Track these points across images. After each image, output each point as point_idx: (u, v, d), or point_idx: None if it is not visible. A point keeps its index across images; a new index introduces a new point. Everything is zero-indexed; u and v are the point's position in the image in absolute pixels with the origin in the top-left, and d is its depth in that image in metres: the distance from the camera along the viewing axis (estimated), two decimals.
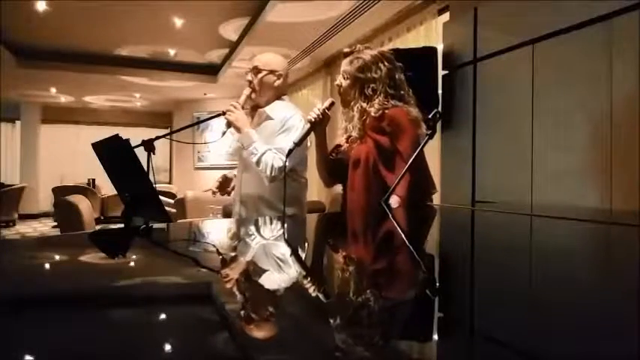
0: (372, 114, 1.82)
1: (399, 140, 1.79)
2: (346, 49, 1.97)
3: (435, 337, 0.52)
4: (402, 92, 1.88)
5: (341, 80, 1.92)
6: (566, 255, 0.99)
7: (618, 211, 2.14)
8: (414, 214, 1.70)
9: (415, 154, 1.65)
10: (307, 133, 1.86)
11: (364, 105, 1.85)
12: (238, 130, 2.12)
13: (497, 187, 2.97)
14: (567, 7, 2.48)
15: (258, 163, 2.07)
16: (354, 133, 1.87)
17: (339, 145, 2.00)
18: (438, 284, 0.76)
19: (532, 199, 2.64)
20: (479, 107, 3.11)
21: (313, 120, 1.83)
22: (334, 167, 1.97)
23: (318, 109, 1.84)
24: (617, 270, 0.87)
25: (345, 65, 1.92)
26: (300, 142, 1.85)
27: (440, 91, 3.38)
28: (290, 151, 1.86)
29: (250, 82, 2.19)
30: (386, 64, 1.88)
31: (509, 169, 2.87)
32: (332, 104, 1.87)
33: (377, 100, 1.84)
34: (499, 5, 3.02)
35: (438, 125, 1.89)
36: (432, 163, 3.67)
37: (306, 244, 1.25)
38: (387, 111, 1.81)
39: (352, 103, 1.89)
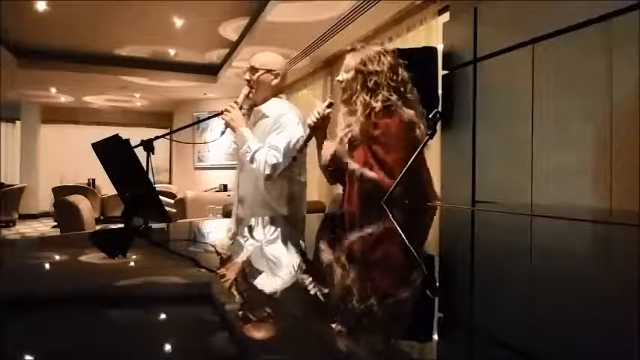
0: (376, 109, 1.78)
1: (396, 148, 1.75)
2: (350, 46, 1.94)
3: (435, 337, 0.52)
4: (404, 89, 1.85)
5: (343, 74, 1.88)
6: (566, 255, 0.99)
7: (618, 211, 2.14)
8: (412, 217, 1.70)
9: (415, 154, 1.65)
10: (309, 138, 1.84)
11: (367, 98, 1.80)
12: (233, 129, 2.14)
13: (497, 187, 2.97)
14: (567, 7, 2.48)
15: (252, 161, 2.07)
16: (356, 128, 1.81)
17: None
18: (437, 284, 0.76)
19: (532, 199, 2.64)
20: (479, 107, 3.11)
21: (313, 124, 1.80)
22: (337, 173, 1.96)
23: (318, 112, 1.81)
24: (617, 270, 0.87)
25: (347, 60, 1.90)
26: (302, 149, 1.84)
27: (440, 91, 3.38)
28: (294, 158, 1.88)
29: (249, 80, 2.20)
30: (388, 58, 1.85)
31: (509, 169, 2.87)
32: (331, 105, 1.84)
33: (380, 95, 1.79)
34: (499, 5, 3.02)
35: (438, 125, 1.89)
36: (432, 163, 3.70)
37: (305, 245, 1.25)
38: (380, 120, 1.77)
39: (354, 97, 1.83)
